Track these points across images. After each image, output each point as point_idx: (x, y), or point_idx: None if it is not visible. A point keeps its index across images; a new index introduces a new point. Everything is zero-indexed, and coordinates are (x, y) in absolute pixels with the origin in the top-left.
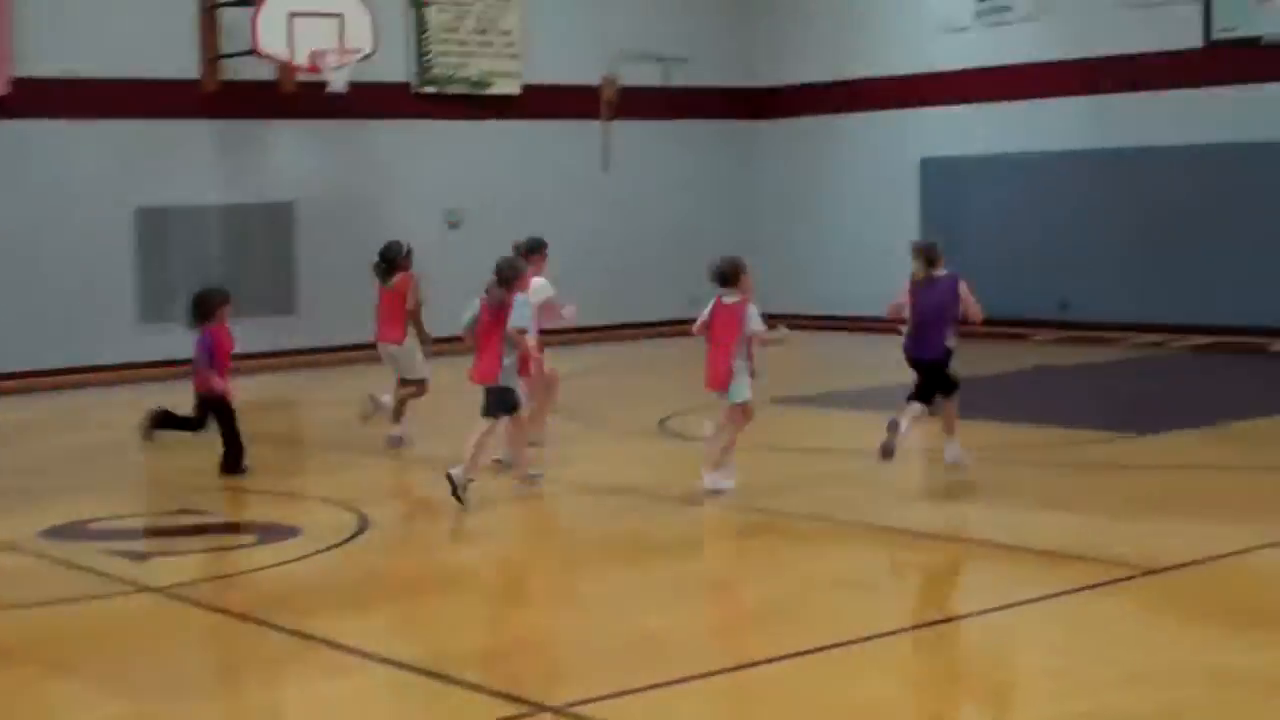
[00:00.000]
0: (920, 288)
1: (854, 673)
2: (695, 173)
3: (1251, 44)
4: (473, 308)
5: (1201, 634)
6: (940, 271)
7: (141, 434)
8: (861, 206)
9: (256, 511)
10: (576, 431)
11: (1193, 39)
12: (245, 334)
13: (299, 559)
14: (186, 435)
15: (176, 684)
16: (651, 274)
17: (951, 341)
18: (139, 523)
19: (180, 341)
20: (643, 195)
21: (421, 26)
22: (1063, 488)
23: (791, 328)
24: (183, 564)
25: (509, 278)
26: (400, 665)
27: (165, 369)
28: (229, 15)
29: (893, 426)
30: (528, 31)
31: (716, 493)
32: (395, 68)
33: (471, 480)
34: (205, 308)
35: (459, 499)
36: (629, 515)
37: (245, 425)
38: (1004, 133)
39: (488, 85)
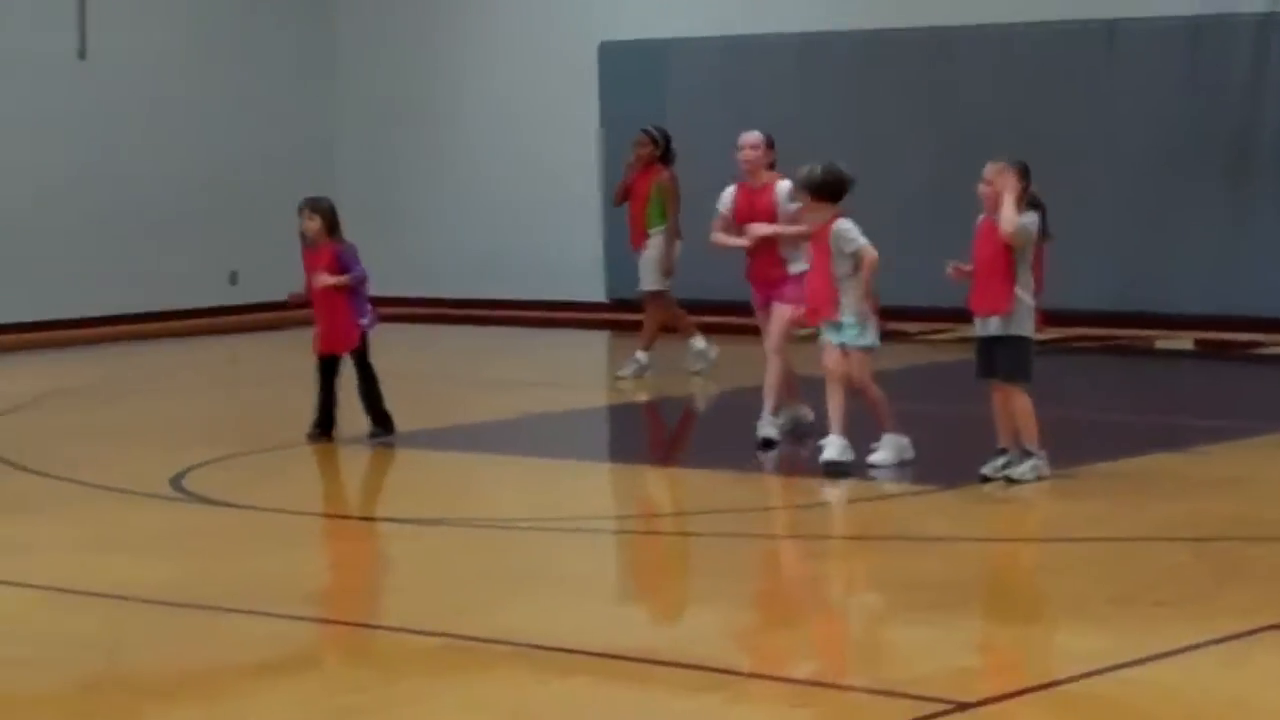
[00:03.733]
0: None
1: None
2: (227, 67)
3: None
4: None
5: None
6: None
7: None
8: (509, 115)
9: None
10: (53, 493)
11: None
12: None
13: None
14: None
15: None
16: (175, 235)
17: None
18: None
19: None
20: (148, 103)
21: None
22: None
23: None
24: None
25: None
26: None
27: None
28: None
29: None
30: None
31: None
32: None
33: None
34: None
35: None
36: (124, 634)
37: None
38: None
39: None
